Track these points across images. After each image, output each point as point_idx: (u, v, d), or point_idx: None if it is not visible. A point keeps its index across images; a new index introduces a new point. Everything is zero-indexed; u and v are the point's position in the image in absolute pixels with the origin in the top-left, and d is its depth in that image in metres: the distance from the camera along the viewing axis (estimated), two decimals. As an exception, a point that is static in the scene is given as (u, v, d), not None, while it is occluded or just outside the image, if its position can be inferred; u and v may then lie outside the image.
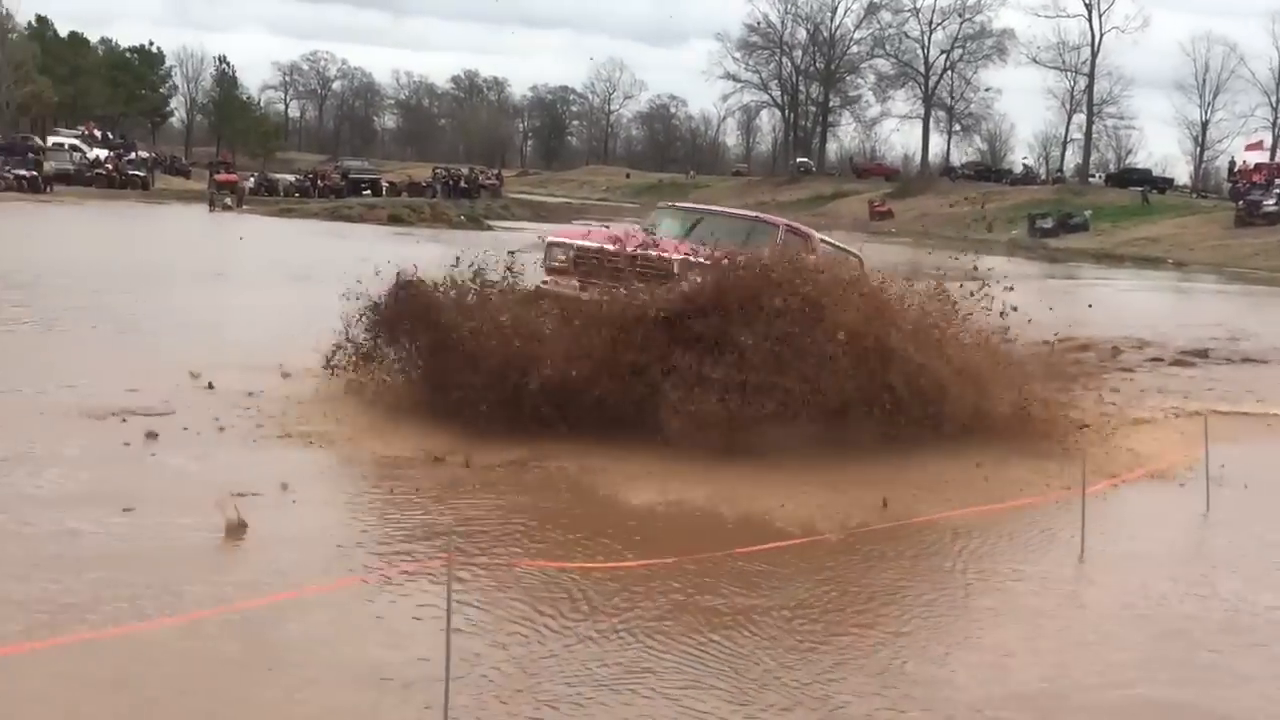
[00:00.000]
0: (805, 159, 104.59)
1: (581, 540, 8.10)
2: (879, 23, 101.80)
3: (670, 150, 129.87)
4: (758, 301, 9.79)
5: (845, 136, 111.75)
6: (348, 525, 8.22)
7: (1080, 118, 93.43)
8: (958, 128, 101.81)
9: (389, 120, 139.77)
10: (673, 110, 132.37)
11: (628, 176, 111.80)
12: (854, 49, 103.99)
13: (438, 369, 10.56)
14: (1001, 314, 11.85)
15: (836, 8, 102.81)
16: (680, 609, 6.89)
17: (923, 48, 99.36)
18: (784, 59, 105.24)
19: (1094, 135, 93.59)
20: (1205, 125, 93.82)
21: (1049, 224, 71.58)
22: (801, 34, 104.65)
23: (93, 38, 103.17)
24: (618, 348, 9.82)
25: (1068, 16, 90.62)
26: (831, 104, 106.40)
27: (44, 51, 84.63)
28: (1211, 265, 55.59)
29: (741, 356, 9.58)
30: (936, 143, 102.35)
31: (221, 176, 62.95)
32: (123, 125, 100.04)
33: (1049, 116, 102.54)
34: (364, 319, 11.34)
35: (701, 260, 10.60)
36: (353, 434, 10.30)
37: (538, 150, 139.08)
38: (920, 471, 9.77)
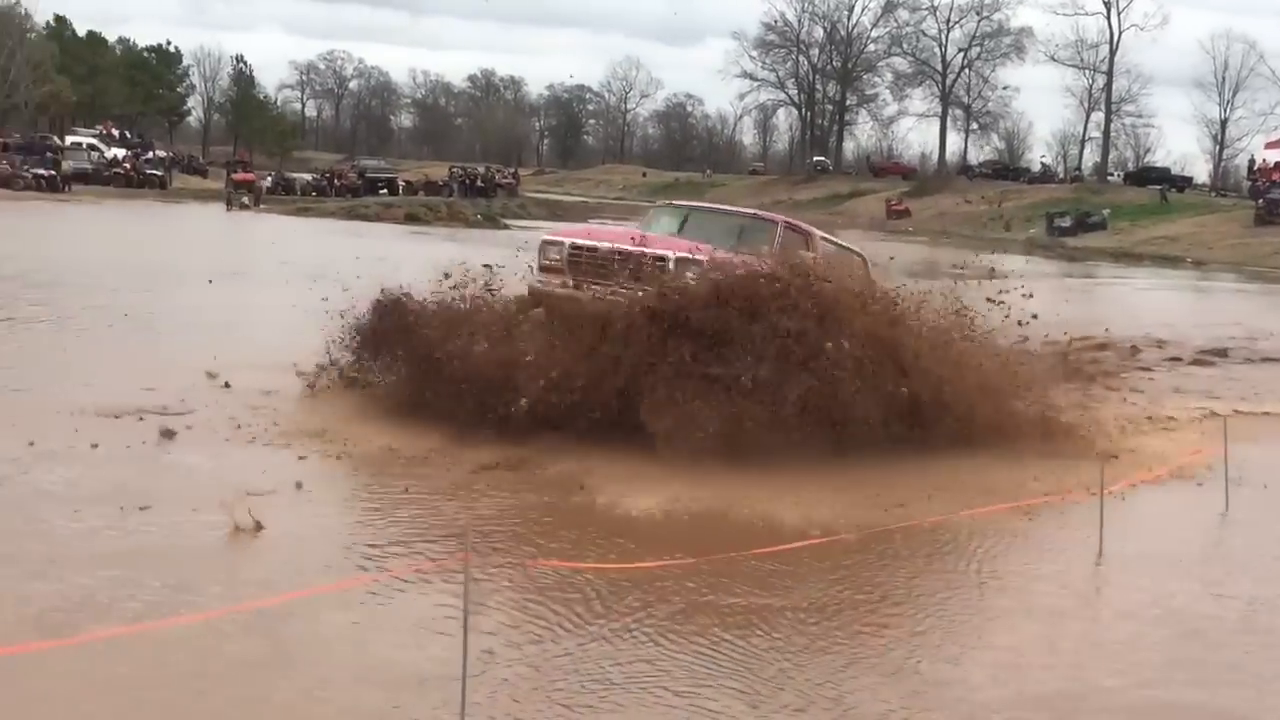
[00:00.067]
0: (822, 158, 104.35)
1: (595, 540, 8.09)
2: (896, 21, 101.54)
3: (687, 149, 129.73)
4: (758, 306, 9.70)
5: (862, 135, 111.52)
6: (362, 524, 8.24)
7: (1098, 116, 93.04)
8: (975, 126, 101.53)
9: (405, 119, 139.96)
10: (689, 109, 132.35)
11: (644, 175, 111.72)
12: (871, 47, 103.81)
13: (423, 387, 10.57)
14: (1020, 322, 11.81)
15: (854, 6, 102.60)
16: (694, 609, 6.88)
17: (940, 46, 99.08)
18: (801, 58, 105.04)
19: (1112, 133, 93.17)
20: (1224, 123, 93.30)
21: (1067, 223, 71.24)
22: (818, 32, 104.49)
23: (110, 37, 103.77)
24: (604, 351, 9.72)
25: (1086, 14, 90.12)
26: (848, 103, 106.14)
27: (62, 51, 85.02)
28: (1231, 264, 55.30)
29: (739, 350, 9.49)
30: (954, 141, 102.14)
31: (239, 176, 63.10)
32: (140, 124, 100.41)
33: (1067, 115, 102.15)
34: (347, 339, 11.41)
35: (697, 258, 10.52)
36: (367, 433, 10.30)
37: (554, 149, 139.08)
38: (935, 472, 9.73)
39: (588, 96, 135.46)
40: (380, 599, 6.66)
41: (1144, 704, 6.09)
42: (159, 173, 65.48)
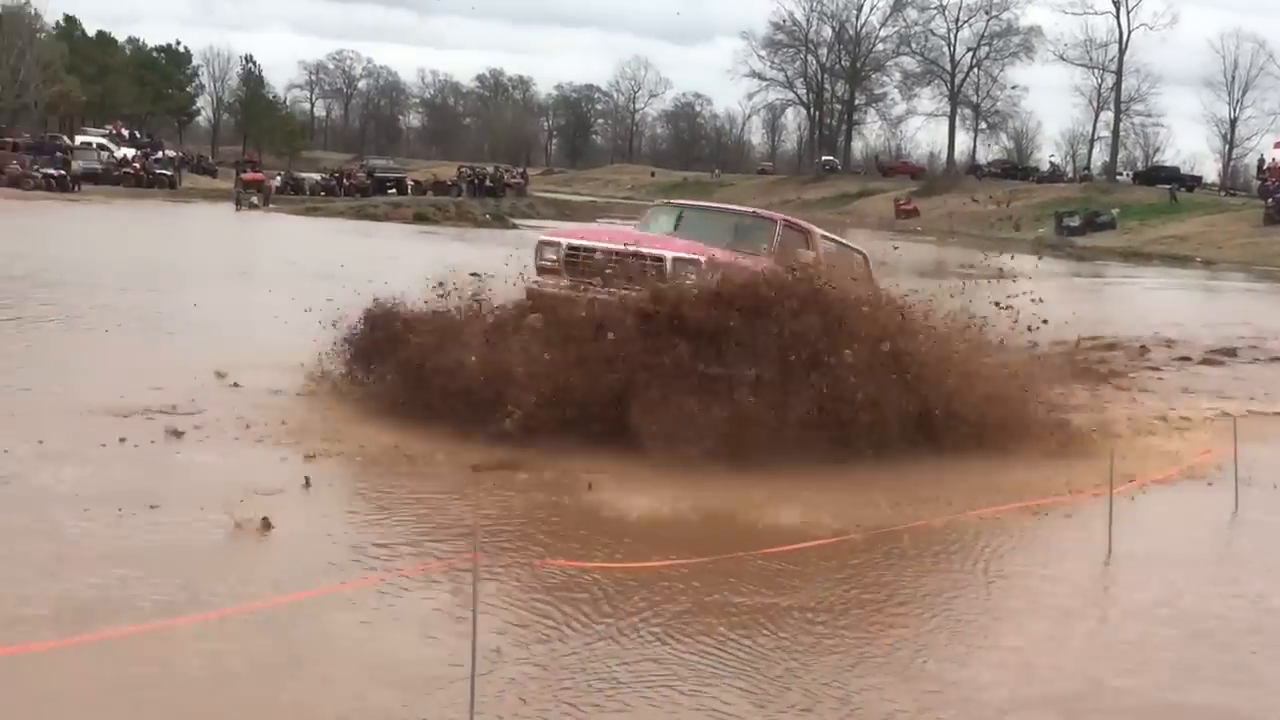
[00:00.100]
0: (830, 157, 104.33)
1: (602, 540, 8.09)
2: (905, 20, 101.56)
3: (695, 149, 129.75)
4: (761, 308, 9.65)
5: (870, 135, 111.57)
6: (370, 523, 8.24)
7: (1107, 115, 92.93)
8: (984, 125, 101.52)
9: (414, 119, 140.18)
10: (698, 109, 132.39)
11: (653, 175, 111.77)
12: (880, 47, 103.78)
13: (415, 398, 10.54)
14: (1030, 328, 11.76)
15: (862, 6, 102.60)
16: (701, 608, 6.87)
17: (949, 45, 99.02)
18: (809, 57, 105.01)
19: (1121, 133, 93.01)
20: (1234, 122, 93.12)
21: (1076, 222, 71.12)
22: (827, 32, 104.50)
23: (120, 37, 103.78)
24: (599, 354, 9.65)
25: (1095, 13, 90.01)
26: (857, 102, 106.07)
27: (72, 51, 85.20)
28: (1240, 263, 55.17)
29: (742, 350, 9.45)
30: (962, 140, 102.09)
31: (248, 175, 63.24)
32: (150, 124, 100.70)
33: (1076, 114, 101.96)
34: (338, 351, 11.43)
35: (694, 258, 10.45)
36: (373, 433, 10.31)
37: (563, 149, 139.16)
38: (943, 472, 9.73)
39: (596, 96, 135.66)
40: (388, 598, 6.66)
41: (1152, 704, 6.08)
42: (168, 172, 65.64)
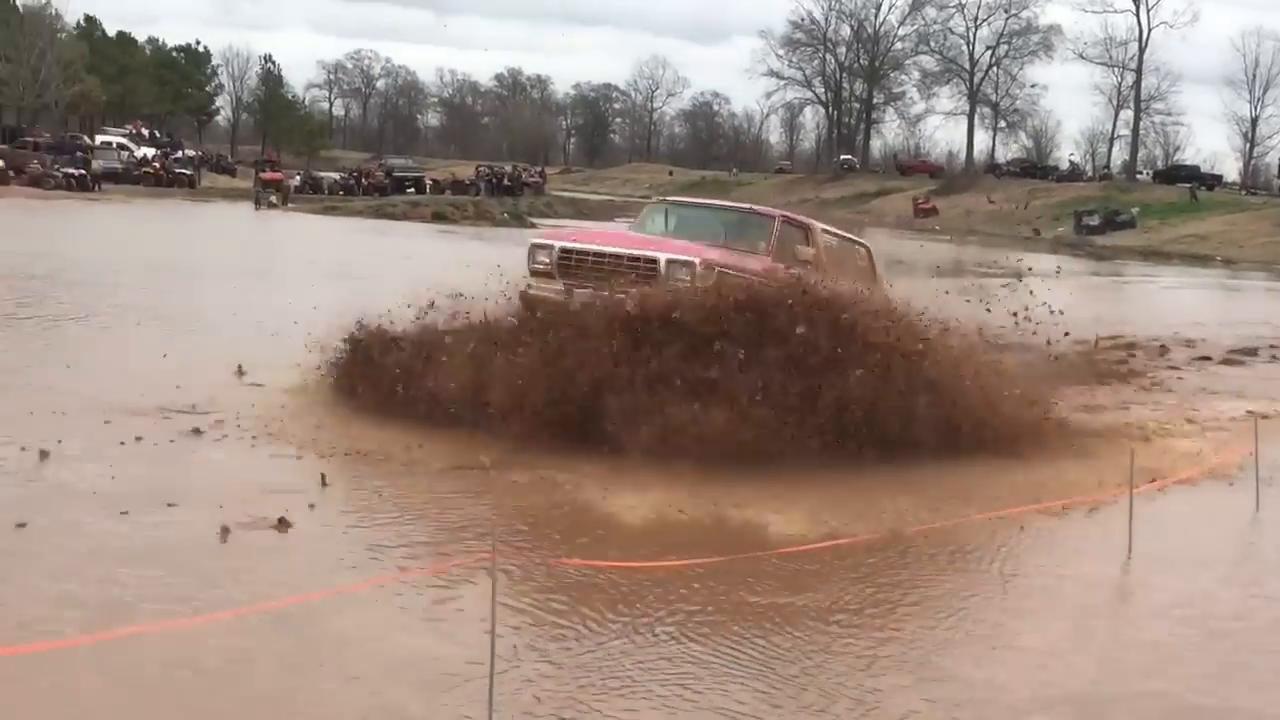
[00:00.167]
0: (849, 156, 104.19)
1: (618, 539, 8.09)
2: (923, 19, 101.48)
3: (713, 148, 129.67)
4: (764, 312, 9.53)
5: (889, 133, 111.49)
6: (388, 522, 8.25)
7: (1127, 114, 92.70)
8: (1003, 124, 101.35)
9: (433, 118, 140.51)
10: (716, 107, 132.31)
11: (670, 174, 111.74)
12: (898, 46, 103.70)
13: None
14: (1049, 341, 11.65)
15: (881, 4, 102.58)
16: (716, 608, 6.86)
17: (968, 44, 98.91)
18: (828, 56, 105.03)
19: (1141, 131, 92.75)
20: (1255, 121, 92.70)
21: (1095, 221, 70.92)
22: (845, 31, 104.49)
23: (140, 37, 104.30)
24: (594, 358, 9.51)
25: (1115, 12, 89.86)
26: (875, 101, 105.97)
27: (92, 51, 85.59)
28: (1261, 263, 54.91)
29: (728, 359, 9.30)
30: (981, 139, 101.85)
31: (267, 175, 63.55)
32: (169, 124, 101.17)
33: (1095, 113, 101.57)
34: (325, 374, 11.37)
35: (688, 259, 10.34)
36: (391, 432, 10.31)
37: (581, 148, 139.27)
38: (961, 473, 9.69)
39: (614, 95, 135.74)
40: (406, 596, 6.67)
41: (1173, 705, 6.04)
42: (188, 172, 65.92)
